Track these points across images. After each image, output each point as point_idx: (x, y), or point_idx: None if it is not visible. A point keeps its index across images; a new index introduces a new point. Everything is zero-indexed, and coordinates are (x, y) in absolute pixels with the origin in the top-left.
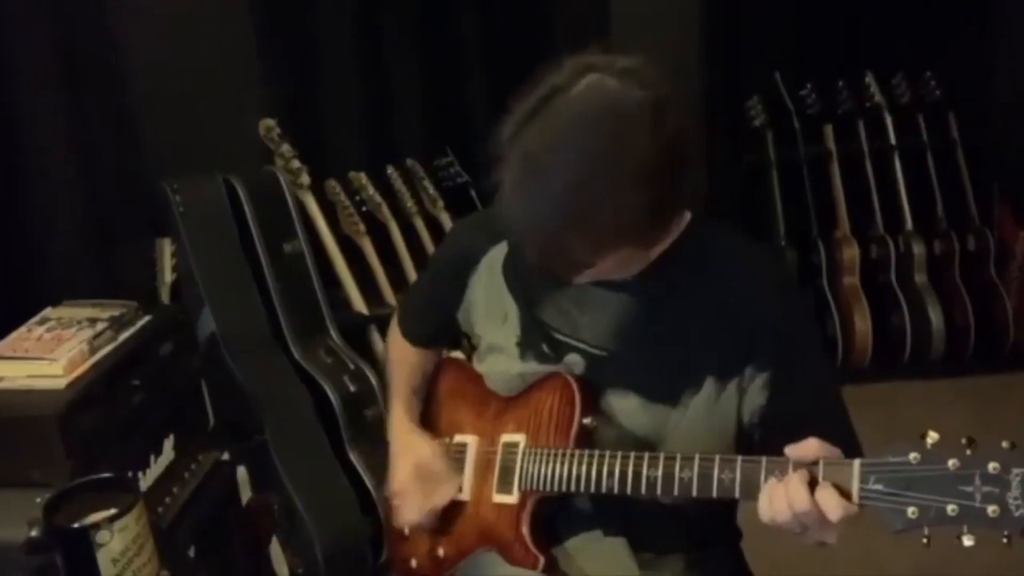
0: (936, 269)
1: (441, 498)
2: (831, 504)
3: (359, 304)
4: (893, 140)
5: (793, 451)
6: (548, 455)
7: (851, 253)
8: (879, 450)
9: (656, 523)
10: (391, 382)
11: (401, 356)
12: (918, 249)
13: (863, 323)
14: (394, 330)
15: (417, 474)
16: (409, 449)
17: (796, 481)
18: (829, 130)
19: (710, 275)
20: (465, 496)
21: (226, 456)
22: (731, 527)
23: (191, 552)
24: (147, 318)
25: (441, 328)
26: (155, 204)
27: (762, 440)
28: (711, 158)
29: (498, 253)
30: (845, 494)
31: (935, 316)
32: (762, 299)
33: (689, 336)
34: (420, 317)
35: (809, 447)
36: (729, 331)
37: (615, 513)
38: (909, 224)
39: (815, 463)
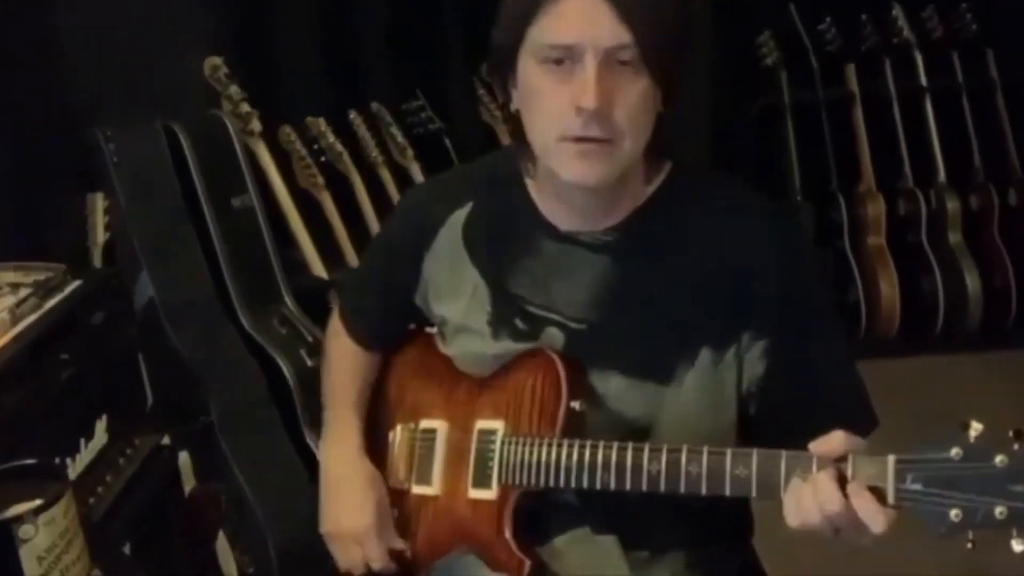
0: (972, 227)
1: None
2: (870, 511)
3: (317, 267)
4: (924, 81)
5: (818, 446)
6: (532, 445)
7: (876, 209)
8: (915, 443)
9: (652, 518)
10: (329, 392)
11: (344, 360)
12: (952, 204)
13: (890, 289)
14: (336, 327)
15: (381, 514)
16: (372, 484)
17: (825, 480)
18: (851, 70)
19: (697, 229)
20: (435, 490)
21: (166, 440)
22: (740, 520)
23: (126, 549)
24: (77, 283)
25: (397, 322)
26: (85, 154)
27: (759, 414)
28: (716, 101)
29: (456, 221)
30: (879, 494)
31: (971, 281)
32: (758, 254)
33: (678, 301)
34: (370, 311)
35: (835, 441)
36: (722, 292)
37: (604, 507)
38: (942, 176)
39: (843, 459)
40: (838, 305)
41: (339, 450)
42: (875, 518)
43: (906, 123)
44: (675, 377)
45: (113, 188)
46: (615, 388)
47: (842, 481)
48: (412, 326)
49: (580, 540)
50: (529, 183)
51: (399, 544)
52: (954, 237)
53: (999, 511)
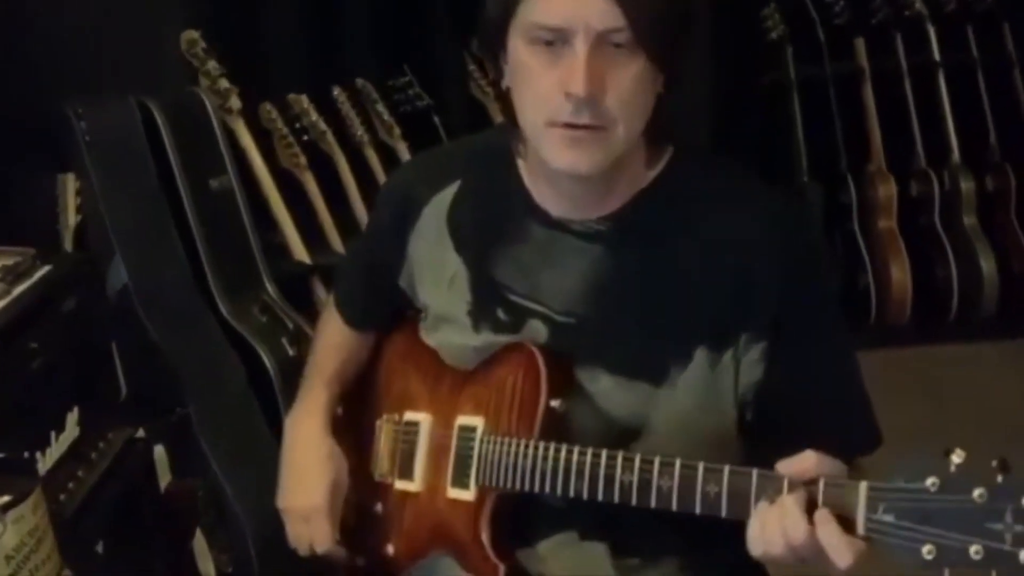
0: (988, 209)
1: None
2: (835, 541)
3: (300, 251)
4: (937, 56)
5: (787, 466)
6: (509, 445)
7: (887, 191)
8: (892, 469)
9: (644, 522)
10: (310, 364)
11: (332, 341)
12: (966, 185)
13: (901, 274)
14: (330, 311)
15: (335, 494)
16: (330, 461)
17: (792, 505)
18: (861, 44)
19: (696, 222)
20: (417, 487)
21: (141, 433)
22: (740, 523)
23: (99, 548)
24: (47, 268)
25: (383, 304)
26: (55, 132)
27: (754, 423)
28: (718, 77)
29: (441, 201)
30: (848, 522)
31: (987, 265)
32: (760, 251)
33: (673, 297)
34: (355, 292)
35: (806, 461)
36: (721, 290)
37: (592, 511)
38: (956, 156)
39: (814, 482)
40: (847, 291)
41: (303, 424)
42: (840, 550)
43: (918, 100)
44: (668, 377)
45: (85, 168)
46: (603, 387)
47: (811, 506)
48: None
49: (566, 545)
50: (521, 164)
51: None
52: (969, 220)
53: (974, 550)
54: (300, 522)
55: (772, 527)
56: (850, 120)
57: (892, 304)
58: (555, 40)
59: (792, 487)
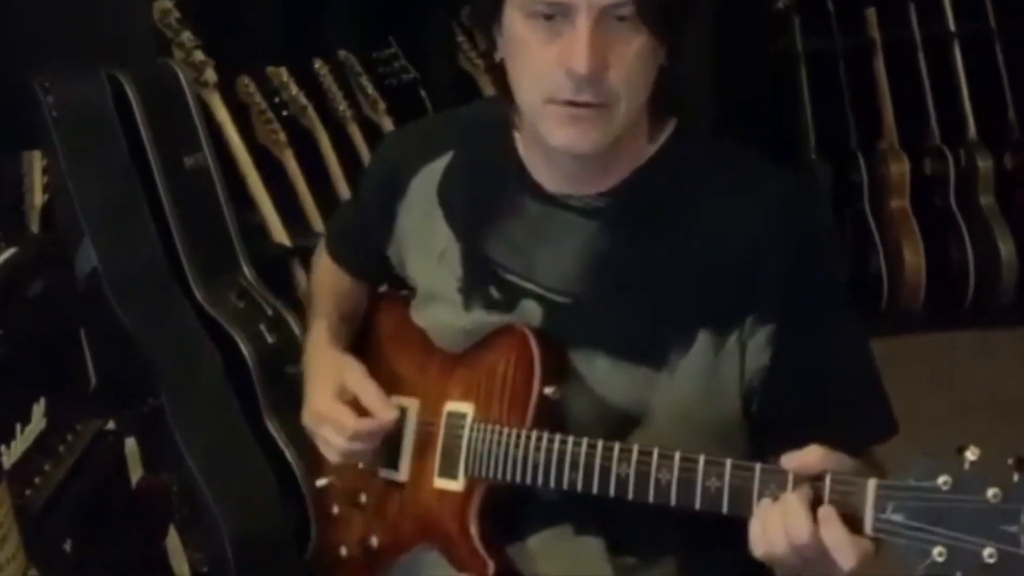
0: (1006, 188)
1: (381, 416)
2: (839, 541)
3: (279, 233)
4: (952, 26)
5: (791, 460)
6: (500, 434)
7: (900, 169)
8: (903, 465)
9: (642, 518)
10: (311, 306)
11: (329, 282)
12: (983, 163)
13: (914, 257)
14: (321, 254)
15: (342, 395)
16: (334, 367)
17: (795, 503)
18: (872, 14)
19: (699, 199)
20: (403, 476)
21: (111, 425)
22: (743, 521)
23: (67, 546)
24: (11, 251)
25: (374, 263)
26: (21, 107)
27: (761, 413)
28: (722, 49)
29: (433, 172)
30: (855, 522)
31: (1005, 248)
32: (766, 229)
33: (675, 277)
34: (351, 243)
35: (811, 456)
36: (724, 270)
37: (589, 505)
38: (972, 132)
39: (820, 478)
40: (858, 275)
41: (311, 344)
42: (845, 550)
43: (932, 73)
44: (668, 362)
45: (52, 145)
46: (600, 371)
47: (816, 504)
48: (384, 289)
49: (559, 541)
50: (517, 137)
51: (367, 424)
52: (986, 199)
53: (987, 553)
54: (317, 426)
55: (775, 526)
56: (860, 94)
57: (905, 289)
58: (555, 14)
59: (797, 483)
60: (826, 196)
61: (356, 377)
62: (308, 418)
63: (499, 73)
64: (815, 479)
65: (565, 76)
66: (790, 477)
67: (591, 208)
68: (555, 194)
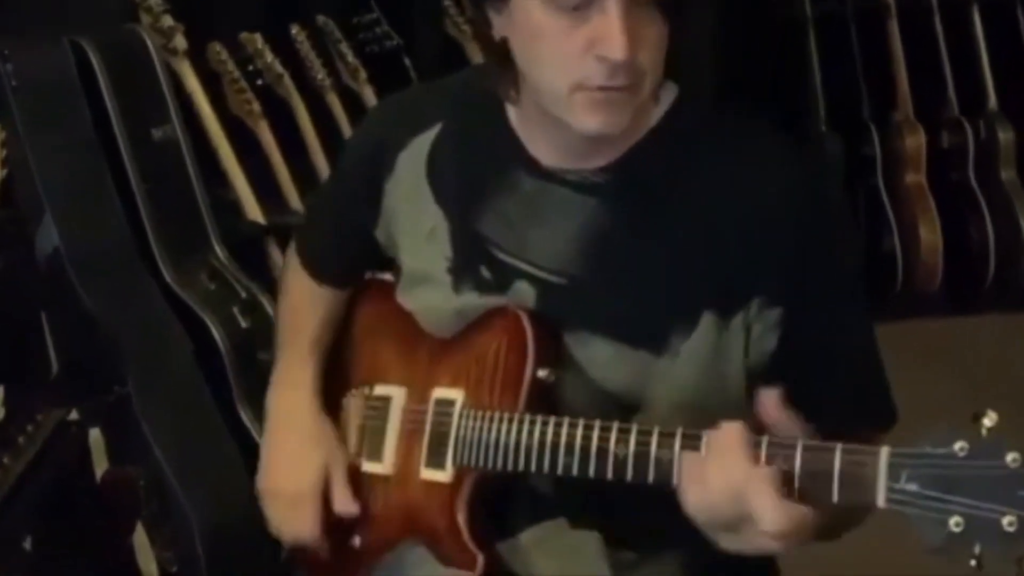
0: None
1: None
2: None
3: (253, 210)
4: None
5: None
6: (491, 420)
7: (915, 142)
8: (917, 434)
9: (643, 511)
10: (283, 329)
11: (302, 294)
12: (1004, 136)
13: (931, 235)
14: (293, 262)
15: (322, 482)
16: (320, 443)
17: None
18: None
19: (703, 173)
20: (387, 469)
21: (74, 415)
22: None
23: (26, 544)
24: None
25: (357, 257)
26: None
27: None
28: (725, 13)
29: (421, 145)
30: (868, 493)
31: None
32: (774, 205)
33: (677, 256)
34: (328, 243)
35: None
36: (730, 248)
37: (585, 497)
38: (993, 103)
39: (831, 448)
40: (871, 254)
41: (289, 396)
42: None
43: (950, 39)
44: (669, 346)
45: (11, 116)
46: (597, 355)
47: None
48: (370, 274)
49: (553, 535)
50: (510, 108)
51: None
52: (1007, 174)
53: (1007, 521)
54: (286, 507)
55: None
56: (873, 61)
57: (921, 270)
58: (581, 4)
59: (807, 448)
60: (837, 171)
61: (341, 469)
62: (277, 493)
63: (497, 50)
64: (825, 449)
65: (595, 62)
66: (798, 452)
67: (589, 184)
68: (551, 169)
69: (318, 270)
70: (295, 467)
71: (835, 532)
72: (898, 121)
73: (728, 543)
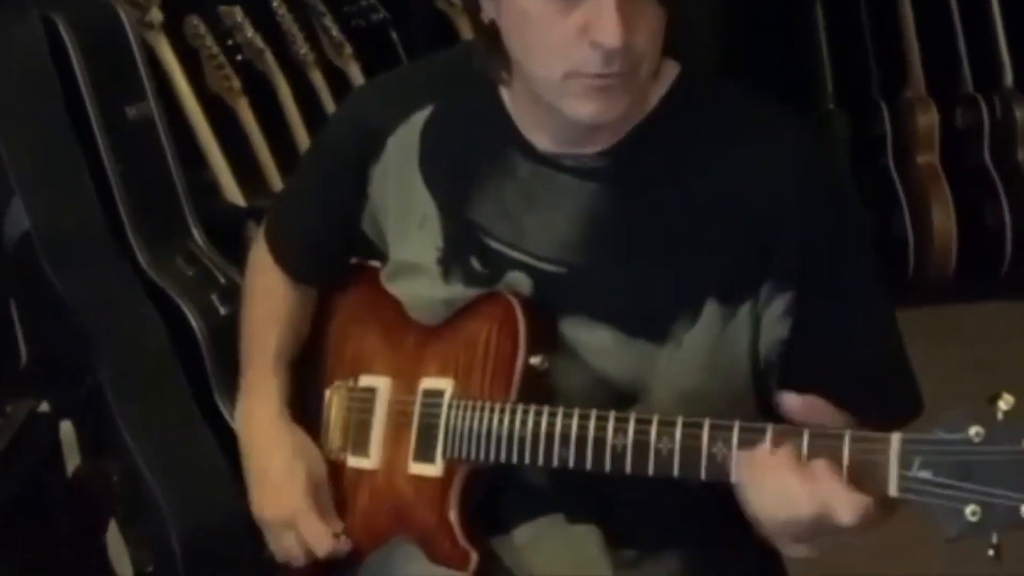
0: None
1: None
2: (838, 499)
3: (232, 192)
4: None
5: (795, 403)
6: (482, 410)
7: (928, 121)
8: (931, 420)
9: (644, 507)
10: (247, 339)
11: (266, 298)
12: (1022, 114)
13: (944, 219)
14: (259, 258)
15: (315, 495)
16: (298, 457)
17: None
18: None
19: (708, 155)
20: (373, 463)
21: (45, 407)
22: None
23: None
24: None
25: (336, 250)
26: None
27: (780, 388)
28: None
29: (410, 131)
30: (879, 482)
31: None
32: (784, 188)
33: (680, 242)
34: (304, 235)
35: (818, 405)
36: (736, 234)
37: (584, 492)
38: (1009, 79)
39: (837, 436)
40: (881, 239)
41: (256, 416)
42: (845, 503)
43: (965, 12)
44: (671, 335)
45: None
46: (595, 344)
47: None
48: (355, 260)
49: (550, 531)
50: (503, 90)
51: (338, 525)
52: None
53: None
54: (284, 532)
55: (788, 484)
56: (884, 36)
57: (934, 255)
58: None
59: (815, 438)
60: (845, 151)
61: (320, 474)
62: (269, 521)
63: (487, 33)
64: (832, 437)
65: (589, 48)
66: (804, 440)
67: (588, 168)
68: (548, 153)
69: (292, 266)
70: (280, 490)
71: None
72: (910, 98)
73: (797, 551)
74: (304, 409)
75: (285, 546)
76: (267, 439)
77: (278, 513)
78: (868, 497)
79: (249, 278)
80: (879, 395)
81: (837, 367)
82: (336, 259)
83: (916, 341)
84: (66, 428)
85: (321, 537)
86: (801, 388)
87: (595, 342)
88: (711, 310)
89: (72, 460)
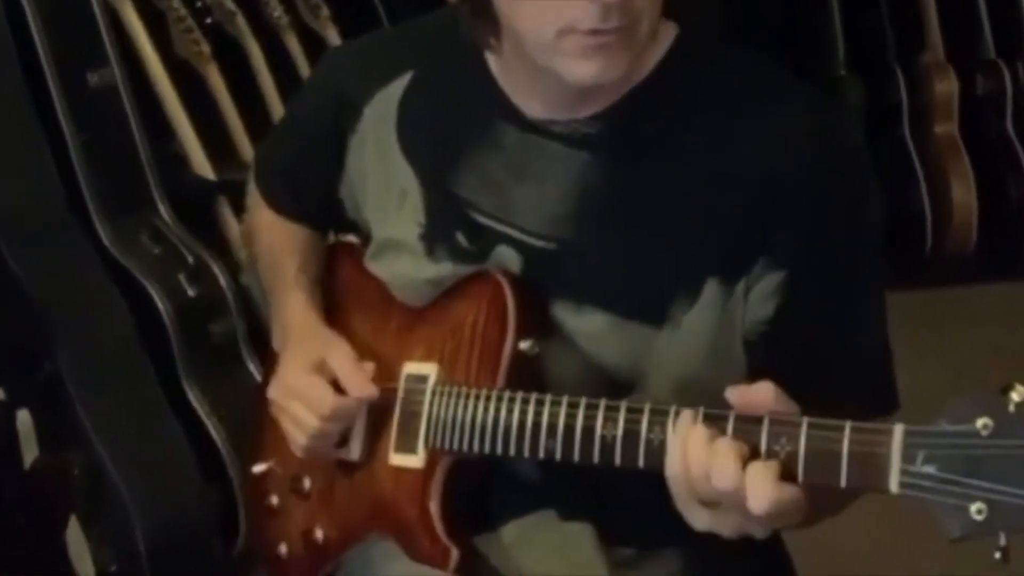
0: None
1: (360, 392)
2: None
3: (201, 164)
4: None
5: (740, 396)
6: (466, 398)
7: (947, 88)
8: (936, 412)
9: (642, 501)
10: (267, 276)
11: (276, 234)
12: None
13: (964, 193)
14: (257, 204)
15: (319, 370)
16: (315, 342)
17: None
18: None
19: (708, 122)
20: (353, 454)
21: (0, 395)
22: None
23: None
24: None
25: (322, 206)
26: None
27: (753, 372)
28: None
29: (388, 99)
30: (879, 476)
31: None
32: (790, 160)
33: (680, 218)
34: (288, 181)
35: (763, 392)
36: (738, 207)
37: (578, 486)
38: None
39: (839, 427)
40: (896, 214)
41: (288, 319)
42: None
43: None
44: (670, 317)
45: None
46: (589, 327)
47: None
48: (333, 239)
49: (541, 528)
50: (489, 56)
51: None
52: None
53: None
54: (290, 402)
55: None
56: None
57: (953, 231)
58: None
59: (814, 426)
60: (858, 120)
61: (339, 354)
62: (276, 392)
63: None
64: (832, 429)
65: (587, 3)
66: (803, 427)
67: (580, 135)
68: (537, 120)
69: (277, 200)
70: (285, 364)
71: (818, 517)
72: (927, 64)
73: (700, 521)
74: None
75: (289, 417)
76: (295, 334)
77: (282, 383)
78: (793, 489)
79: (252, 210)
80: (857, 390)
81: (816, 358)
82: (323, 211)
83: (933, 323)
84: (23, 418)
85: (307, 417)
86: (770, 372)
87: (588, 325)
88: (711, 289)
89: (30, 452)
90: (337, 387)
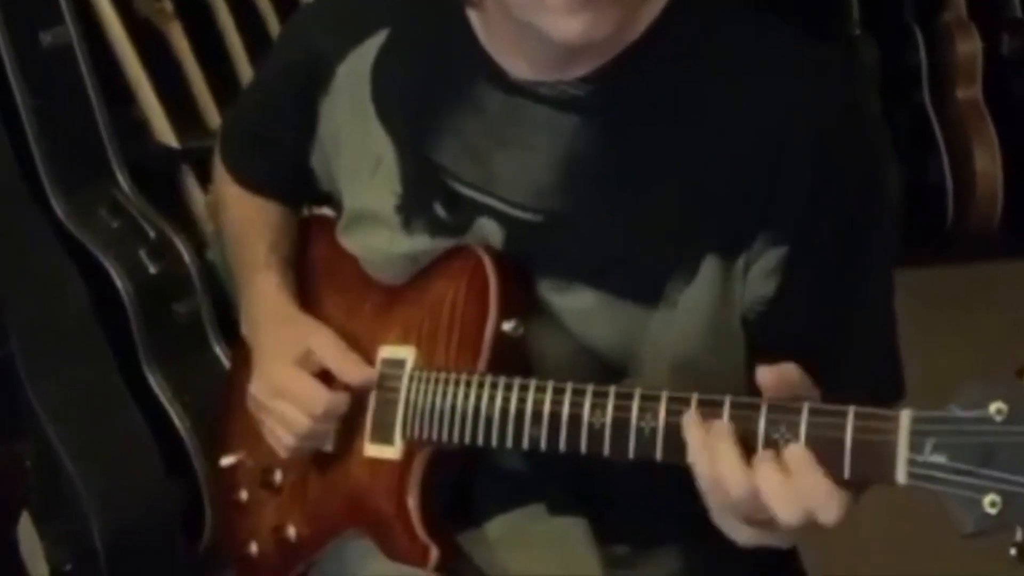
0: None
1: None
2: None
3: (164, 131)
4: None
5: (773, 375)
6: (445, 383)
7: (969, 49)
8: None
9: (638, 495)
10: (235, 251)
11: (244, 206)
12: None
13: (988, 162)
14: (223, 178)
15: (305, 363)
16: (294, 329)
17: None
18: None
19: (707, 84)
20: (327, 445)
21: None
22: None
23: None
24: None
25: (293, 177)
26: None
27: (752, 353)
28: None
29: (362, 58)
30: (885, 467)
31: None
32: (797, 126)
33: (676, 188)
34: (256, 150)
35: (791, 374)
36: (739, 177)
37: (570, 477)
38: None
39: (842, 412)
40: (914, 186)
41: (258, 303)
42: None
43: None
44: (665, 296)
45: None
46: (578, 307)
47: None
48: (306, 212)
49: (529, 524)
50: (471, 13)
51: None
52: None
53: None
54: (277, 402)
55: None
56: None
57: (976, 204)
58: None
59: (817, 413)
60: (873, 84)
61: (324, 341)
62: (259, 390)
63: None
64: (834, 413)
65: None
66: (804, 414)
67: (568, 98)
68: (522, 81)
69: (242, 174)
70: (267, 360)
71: None
72: (948, 23)
73: (745, 537)
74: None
75: (276, 417)
76: (267, 322)
77: (267, 382)
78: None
79: (218, 184)
80: (862, 375)
81: (819, 340)
82: (293, 184)
83: (955, 303)
84: None
85: (297, 417)
86: (771, 355)
87: (576, 304)
88: (710, 266)
89: None
90: (323, 378)
